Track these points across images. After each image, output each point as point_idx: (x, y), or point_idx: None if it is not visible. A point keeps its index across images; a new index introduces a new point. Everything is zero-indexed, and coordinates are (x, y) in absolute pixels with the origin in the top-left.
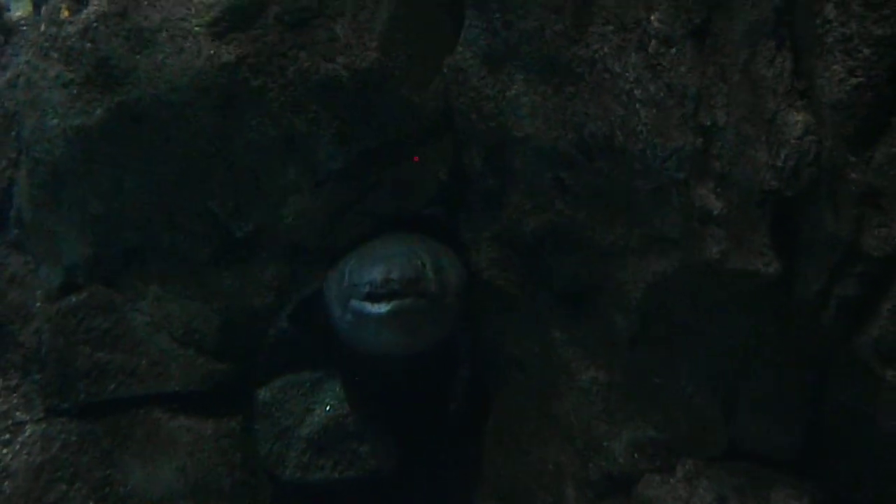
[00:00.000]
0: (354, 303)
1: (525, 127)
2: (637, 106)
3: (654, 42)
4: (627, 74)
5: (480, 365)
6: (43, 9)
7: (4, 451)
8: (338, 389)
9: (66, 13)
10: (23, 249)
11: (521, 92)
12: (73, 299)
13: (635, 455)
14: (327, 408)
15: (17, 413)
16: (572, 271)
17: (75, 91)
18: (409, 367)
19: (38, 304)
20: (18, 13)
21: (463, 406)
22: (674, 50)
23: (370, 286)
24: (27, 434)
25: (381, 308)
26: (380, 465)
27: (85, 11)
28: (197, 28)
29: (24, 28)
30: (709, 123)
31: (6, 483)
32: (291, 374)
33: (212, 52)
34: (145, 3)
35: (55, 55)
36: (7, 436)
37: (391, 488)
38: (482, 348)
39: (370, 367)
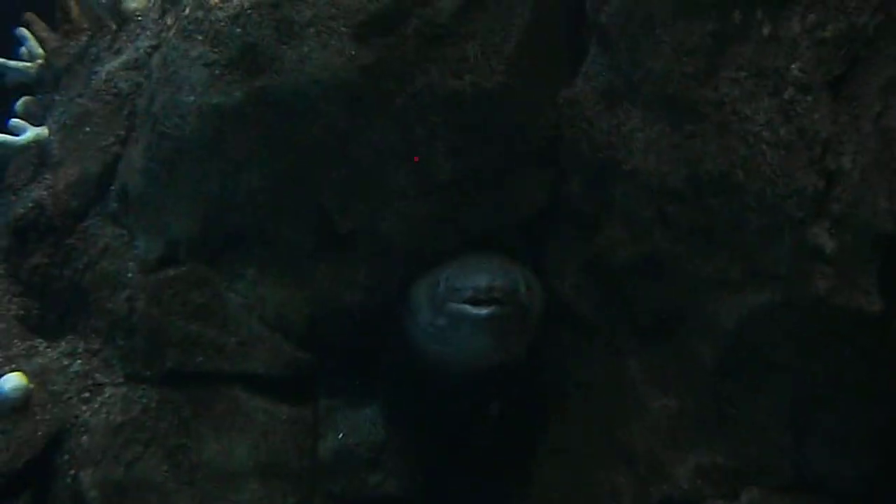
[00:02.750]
0: (453, 305)
1: (635, 161)
2: (763, 146)
3: (790, 89)
4: (757, 117)
5: (538, 388)
6: None
7: (84, 407)
8: (352, 417)
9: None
10: (119, 223)
11: (637, 128)
12: (172, 272)
13: (699, 481)
14: (339, 435)
15: (98, 375)
16: (659, 301)
17: (218, 71)
18: (476, 384)
19: (131, 275)
20: (134, 4)
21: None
22: (810, 97)
23: (474, 291)
24: (107, 395)
25: (482, 311)
26: (393, 492)
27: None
28: (343, 28)
29: (140, 18)
30: (834, 168)
31: (84, 437)
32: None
33: (353, 52)
34: None
35: (199, 37)
36: (87, 394)
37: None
38: (546, 371)
39: (435, 381)
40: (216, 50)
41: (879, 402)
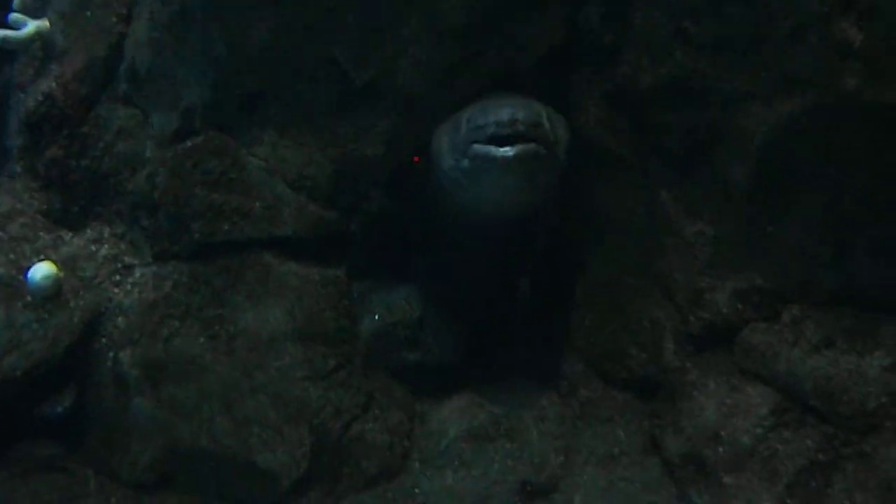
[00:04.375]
0: (478, 147)
1: None
2: None
3: None
4: None
5: (574, 229)
6: None
7: (116, 290)
8: (387, 298)
9: None
10: (131, 103)
11: None
12: (189, 143)
13: (739, 305)
14: (376, 316)
15: (126, 258)
16: (688, 126)
17: None
18: (506, 229)
19: (149, 153)
20: None
21: (540, 274)
22: None
23: (497, 126)
24: (137, 275)
25: (508, 151)
26: (437, 360)
27: None
28: None
29: None
30: None
31: (120, 318)
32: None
33: None
34: None
35: None
36: (117, 277)
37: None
38: (580, 211)
39: (466, 231)
40: None
41: None
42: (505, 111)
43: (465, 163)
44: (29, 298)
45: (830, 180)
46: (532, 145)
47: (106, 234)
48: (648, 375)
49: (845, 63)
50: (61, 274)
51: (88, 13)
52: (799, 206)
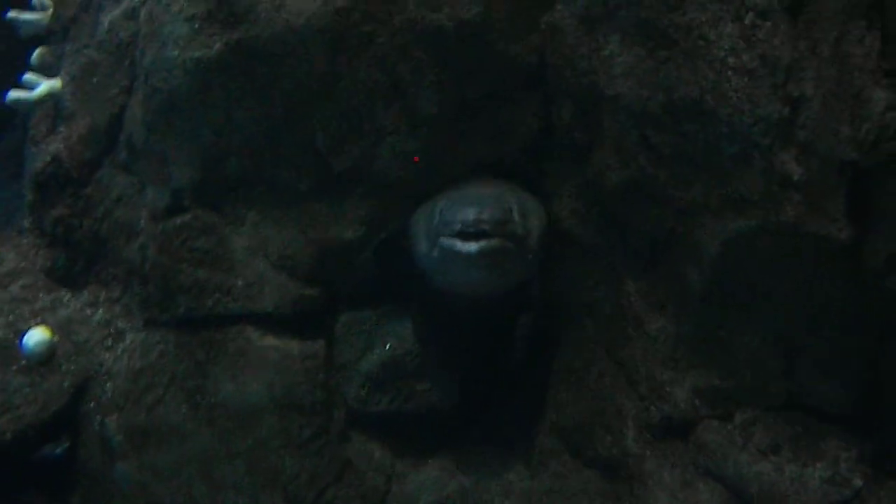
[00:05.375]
0: (444, 240)
1: (617, 86)
2: (729, 73)
3: (750, 14)
4: (722, 43)
5: (551, 309)
6: None
7: (107, 355)
8: (399, 329)
9: None
10: (130, 171)
11: (616, 52)
12: (178, 220)
13: (696, 402)
14: (387, 346)
15: (119, 322)
16: (650, 226)
17: (197, 25)
18: (483, 307)
19: (143, 223)
20: None
21: (526, 348)
22: (769, 23)
23: (462, 224)
24: (128, 341)
25: (471, 247)
26: (438, 401)
27: None
28: None
29: None
30: (797, 94)
31: (109, 384)
32: (357, 310)
33: None
34: None
35: None
36: (109, 342)
37: (453, 420)
38: (555, 294)
39: (446, 304)
40: (193, 4)
41: (863, 324)
42: (470, 211)
43: (436, 252)
44: (24, 362)
45: (780, 296)
46: (495, 241)
47: (102, 298)
48: (612, 456)
49: (786, 193)
50: (56, 339)
51: (95, 80)
52: (751, 316)
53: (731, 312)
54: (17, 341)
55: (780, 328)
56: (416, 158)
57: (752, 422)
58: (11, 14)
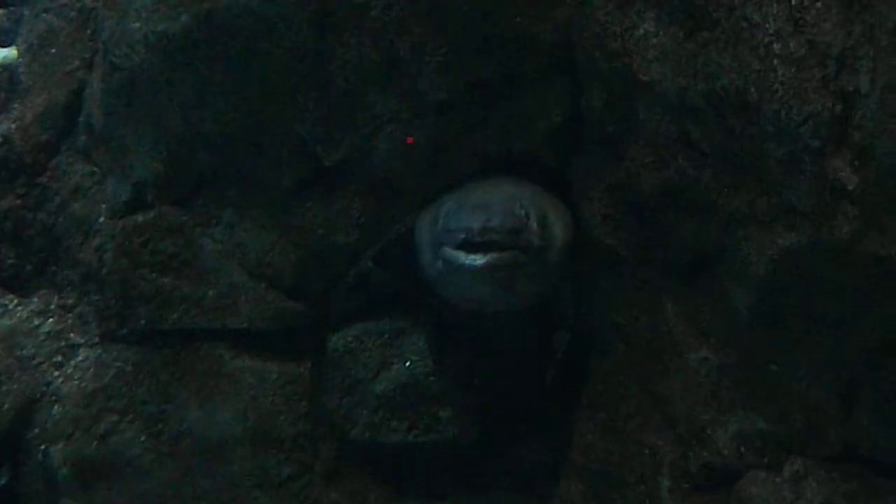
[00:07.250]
0: (447, 251)
1: (652, 71)
2: (775, 62)
3: None
4: (768, 26)
5: (581, 331)
6: None
7: (56, 373)
8: (421, 343)
9: None
10: (89, 158)
11: (651, 32)
12: (140, 218)
13: (741, 448)
14: (407, 363)
15: (72, 335)
16: (691, 238)
17: None
18: (502, 326)
19: (102, 220)
20: None
21: (558, 375)
22: (819, 3)
23: (466, 234)
24: (80, 358)
25: (477, 260)
26: (460, 432)
27: None
28: None
29: None
30: (851, 89)
31: (55, 408)
32: (370, 321)
33: None
34: None
35: None
36: (59, 358)
37: (469, 456)
38: (585, 312)
39: (458, 321)
40: None
41: None
42: (476, 217)
43: (439, 264)
44: None
45: (835, 324)
46: (507, 254)
47: (53, 305)
48: None
49: (840, 205)
50: None
51: (53, 50)
52: (803, 348)
53: (782, 343)
54: None
55: (837, 364)
56: (410, 140)
57: (804, 474)
58: None
